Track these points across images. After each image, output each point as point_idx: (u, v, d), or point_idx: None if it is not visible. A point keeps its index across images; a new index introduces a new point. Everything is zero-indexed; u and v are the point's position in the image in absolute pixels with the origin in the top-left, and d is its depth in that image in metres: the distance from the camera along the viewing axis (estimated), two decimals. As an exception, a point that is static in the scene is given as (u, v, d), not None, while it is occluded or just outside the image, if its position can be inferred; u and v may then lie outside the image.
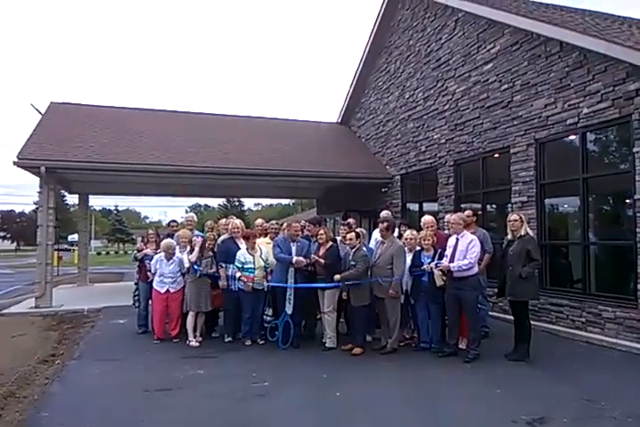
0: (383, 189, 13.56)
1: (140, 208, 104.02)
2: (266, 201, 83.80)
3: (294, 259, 6.96)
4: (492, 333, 7.48)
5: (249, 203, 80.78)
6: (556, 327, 7.88)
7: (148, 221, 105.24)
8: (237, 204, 74.23)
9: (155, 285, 7.58)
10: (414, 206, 12.73)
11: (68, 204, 59.97)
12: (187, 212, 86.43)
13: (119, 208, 73.14)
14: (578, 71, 7.69)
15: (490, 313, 8.22)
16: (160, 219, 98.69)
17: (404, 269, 6.70)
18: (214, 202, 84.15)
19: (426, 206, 12.03)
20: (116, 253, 56.78)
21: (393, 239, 6.95)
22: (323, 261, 6.89)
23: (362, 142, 15.50)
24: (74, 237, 60.77)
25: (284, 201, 71.91)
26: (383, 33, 13.91)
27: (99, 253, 51.52)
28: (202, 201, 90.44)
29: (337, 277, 6.66)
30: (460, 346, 6.61)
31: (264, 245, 7.54)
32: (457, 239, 6.42)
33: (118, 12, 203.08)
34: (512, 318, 6.68)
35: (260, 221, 8.45)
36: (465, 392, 5.16)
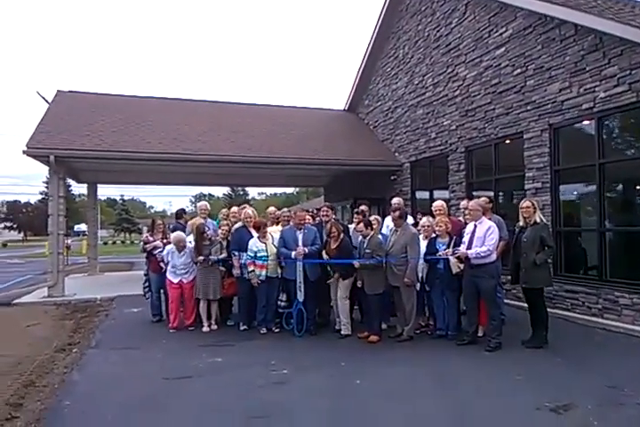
0: (392, 177, 13.47)
1: (144, 198, 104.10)
2: (270, 190, 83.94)
3: (293, 253, 6.95)
4: (506, 320, 7.44)
5: (253, 192, 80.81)
6: (571, 314, 7.85)
7: (153, 210, 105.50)
8: (242, 193, 74.23)
9: (168, 275, 7.59)
10: (424, 194, 12.63)
11: (73, 193, 60.10)
12: (191, 201, 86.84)
13: (124, 198, 73.16)
14: (593, 55, 7.56)
15: (504, 300, 8.18)
16: (165, 208, 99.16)
17: (418, 257, 6.66)
18: (219, 191, 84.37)
19: (436, 194, 11.94)
20: (123, 242, 56.95)
21: (406, 227, 6.90)
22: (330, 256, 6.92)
23: (370, 129, 15.39)
24: (80, 226, 61.06)
25: (289, 190, 72.01)
26: (391, 18, 13.72)
27: (105, 243, 51.64)
28: (206, 190, 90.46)
29: (356, 264, 6.65)
30: (478, 334, 6.59)
31: (276, 233, 7.52)
32: (475, 226, 6.36)
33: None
34: (525, 304, 6.66)
35: (272, 209, 8.43)
36: (486, 380, 5.14)
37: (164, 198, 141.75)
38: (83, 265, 17.64)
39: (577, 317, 7.75)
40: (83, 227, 63.52)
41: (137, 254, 24.60)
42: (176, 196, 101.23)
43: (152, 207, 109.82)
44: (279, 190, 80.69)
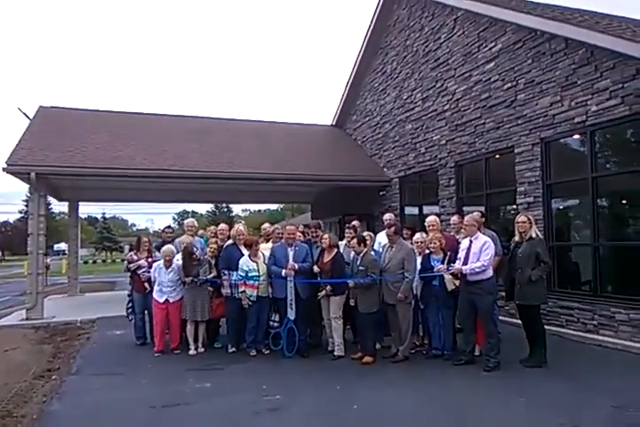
0: (381, 192, 13.35)
1: (126, 215, 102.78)
2: (254, 207, 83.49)
3: (283, 272, 6.74)
4: (502, 337, 7.25)
5: (237, 209, 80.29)
6: (566, 331, 7.68)
7: (135, 228, 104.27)
8: (226, 209, 73.74)
9: (154, 294, 7.29)
10: (413, 210, 12.52)
11: (53, 212, 59.16)
12: (174, 219, 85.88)
13: (106, 215, 72.22)
14: (585, 68, 7.52)
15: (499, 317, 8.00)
16: (147, 226, 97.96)
17: (415, 273, 6.47)
18: (202, 208, 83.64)
19: (426, 209, 11.82)
20: (104, 261, 55.85)
21: (402, 242, 6.72)
22: (323, 269, 6.74)
23: (358, 145, 15.30)
24: (60, 246, 60.04)
25: (273, 206, 71.68)
26: (379, 33, 13.73)
27: (85, 262, 50.65)
28: (189, 207, 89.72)
29: (351, 284, 6.45)
30: (474, 353, 6.39)
31: (267, 250, 7.28)
32: (470, 241, 6.20)
33: (108, 14, 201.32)
34: (519, 321, 6.49)
35: (266, 225, 8.20)
36: (488, 402, 4.94)
37: (146, 216, 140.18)
38: (63, 285, 17.14)
39: (572, 333, 7.59)
40: (62, 246, 62.55)
41: (119, 274, 24.13)
42: (158, 213, 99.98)
43: (134, 225, 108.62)
44: (263, 207, 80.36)
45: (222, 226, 8.07)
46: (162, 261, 7.26)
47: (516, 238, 6.31)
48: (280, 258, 6.87)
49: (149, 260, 7.77)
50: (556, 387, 5.29)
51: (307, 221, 18.43)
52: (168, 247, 7.38)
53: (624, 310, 6.93)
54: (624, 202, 7.68)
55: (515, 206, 8.95)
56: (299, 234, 7.36)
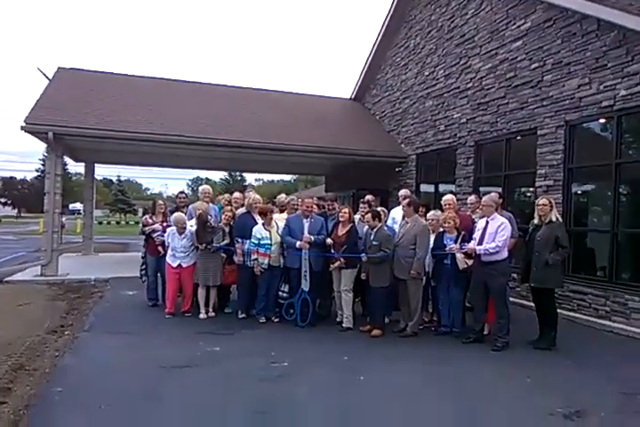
0: (397, 169, 13.25)
1: (141, 179, 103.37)
2: (268, 177, 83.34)
3: (298, 243, 6.75)
4: (511, 318, 7.28)
5: (250, 178, 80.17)
6: (577, 315, 7.68)
7: (149, 192, 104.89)
8: (240, 178, 73.74)
9: (167, 258, 7.37)
10: (429, 187, 12.43)
11: (70, 172, 59.47)
12: (188, 185, 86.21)
13: (121, 178, 72.55)
14: (616, 51, 7.31)
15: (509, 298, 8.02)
16: (161, 191, 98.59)
17: (427, 250, 6.47)
18: (216, 175, 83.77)
19: (442, 187, 11.74)
20: (118, 223, 56.35)
21: (416, 218, 6.70)
22: (336, 242, 6.74)
23: (376, 120, 15.12)
24: (75, 205, 60.54)
25: (286, 177, 71.45)
26: (404, 7, 13.40)
27: (100, 223, 51.16)
28: (203, 174, 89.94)
29: (364, 259, 6.46)
30: (484, 332, 6.42)
31: (281, 221, 7.30)
32: (487, 222, 6.16)
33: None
34: (530, 303, 6.49)
35: (282, 195, 8.23)
36: (494, 381, 4.97)
37: (161, 181, 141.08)
38: (77, 244, 17.37)
39: (583, 318, 7.58)
40: (78, 206, 63.02)
41: (132, 236, 24.39)
42: (172, 178, 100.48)
43: (148, 189, 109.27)
44: (276, 177, 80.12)
45: (237, 194, 8.09)
46: (174, 228, 7.31)
47: (535, 221, 6.26)
48: (295, 229, 6.88)
49: (164, 224, 7.82)
50: (564, 371, 5.31)
51: (320, 193, 18.43)
52: (179, 215, 7.39)
53: (638, 298, 6.90)
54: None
55: (531, 189, 8.86)
56: (315, 206, 7.37)
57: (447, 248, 6.43)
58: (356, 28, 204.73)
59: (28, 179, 67.47)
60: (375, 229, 6.57)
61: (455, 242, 6.44)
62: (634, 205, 7.58)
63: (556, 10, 8.38)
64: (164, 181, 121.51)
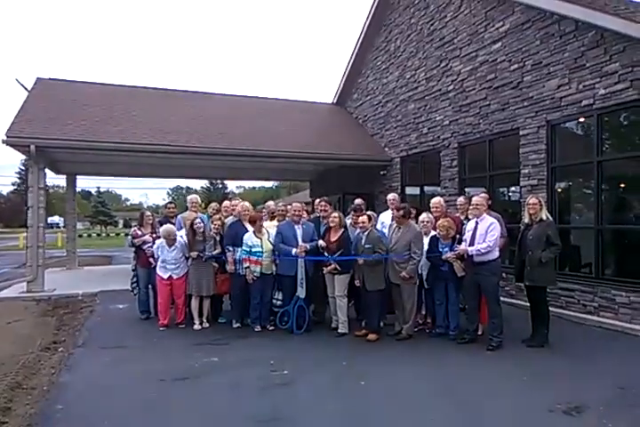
0: (382, 172, 13.32)
1: (120, 190, 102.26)
2: (249, 184, 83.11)
3: (293, 251, 6.78)
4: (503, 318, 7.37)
5: (231, 185, 79.88)
6: (566, 312, 7.80)
7: (129, 203, 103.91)
8: (221, 186, 73.50)
9: (157, 270, 7.32)
10: (414, 190, 12.52)
11: (47, 185, 58.72)
12: (168, 194, 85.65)
13: (100, 190, 71.67)
14: (594, 51, 7.47)
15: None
16: (141, 201, 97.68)
17: (422, 254, 6.52)
18: (197, 184, 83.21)
19: (427, 190, 11.84)
20: (99, 235, 55.71)
21: (410, 224, 6.74)
22: (329, 247, 6.76)
23: (359, 124, 15.20)
24: (53, 219, 59.78)
25: (268, 184, 71.32)
26: (383, 10, 13.52)
27: (80, 236, 50.61)
28: (183, 183, 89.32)
29: (360, 261, 6.48)
30: (478, 332, 6.49)
31: (272, 228, 7.31)
32: (476, 222, 6.24)
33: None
34: (519, 302, 6.56)
35: (270, 203, 8.21)
36: (492, 380, 5.03)
37: (140, 191, 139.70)
38: (60, 259, 17.14)
39: (572, 315, 7.71)
40: (56, 219, 62.19)
41: (116, 248, 24.08)
42: (152, 189, 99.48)
43: (128, 200, 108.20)
44: (258, 184, 79.96)
45: (226, 203, 8.11)
46: (163, 240, 7.26)
47: (526, 220, 6.37)
48: (289, 237, 6.89)
49: (154, 235, 7.77)
50: (559, 367, 5.40)
51: (304, 199, 18.46)
52: (169, 227, 7.35)
53: (625, 293, 7.03)
54: (628, 187, 7.70)
55: (513, 189, 8.99)
56: (304, 212, 7.38)
57: (443, 256, 6.44)
58: (337, 32, 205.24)
59: (4, 193, 66.49)
60: (366, 233, 6.61)
61: (450, 249, 6.45)
62: (616, 201, 7.75)
63: (533, 11, 8.53)
64: (144, 191, 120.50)
